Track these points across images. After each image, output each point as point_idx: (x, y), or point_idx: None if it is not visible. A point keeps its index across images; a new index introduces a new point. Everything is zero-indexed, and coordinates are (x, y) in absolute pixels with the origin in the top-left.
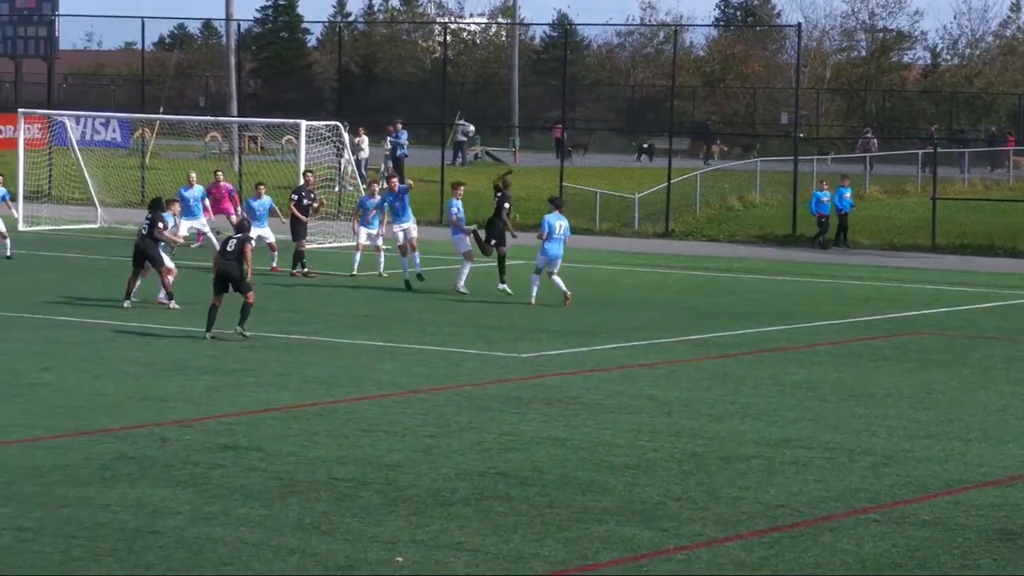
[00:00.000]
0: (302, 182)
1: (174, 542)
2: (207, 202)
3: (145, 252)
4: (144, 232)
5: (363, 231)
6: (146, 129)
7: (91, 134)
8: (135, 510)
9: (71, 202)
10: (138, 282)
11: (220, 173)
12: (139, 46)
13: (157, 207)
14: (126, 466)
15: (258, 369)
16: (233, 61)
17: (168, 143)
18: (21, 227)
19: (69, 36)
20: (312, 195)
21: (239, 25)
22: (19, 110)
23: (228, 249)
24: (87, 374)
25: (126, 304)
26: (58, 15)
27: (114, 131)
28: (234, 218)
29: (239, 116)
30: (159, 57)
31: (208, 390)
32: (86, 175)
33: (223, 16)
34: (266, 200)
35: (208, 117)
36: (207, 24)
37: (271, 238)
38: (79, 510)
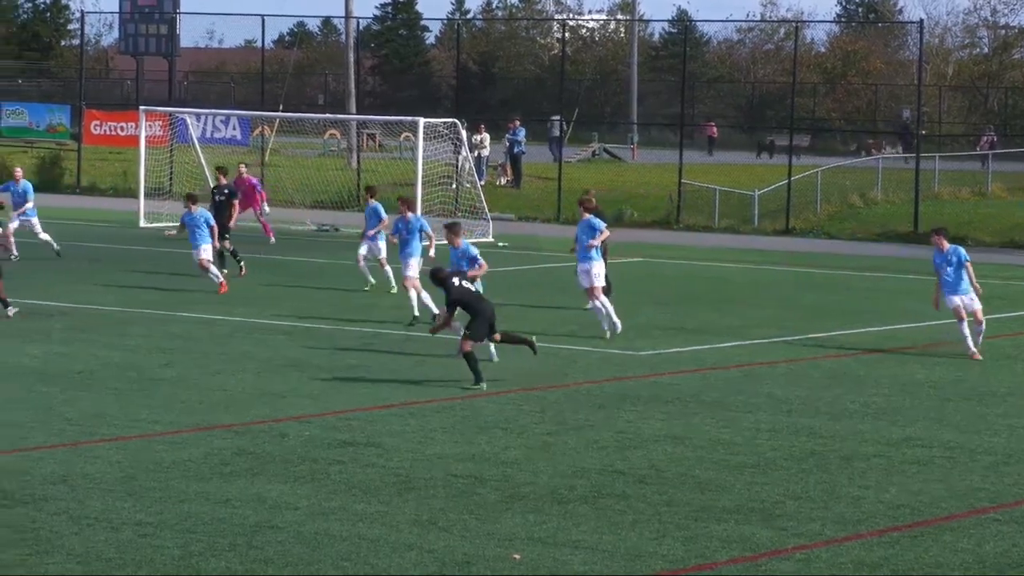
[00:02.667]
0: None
1: (292, 537)
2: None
3: None
4: None
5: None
6: (266, 126)
7: (211, 131)
8: (254, 505)
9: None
10: None
11: (244, 167)
12: (259, 44)
13: None
14: (245, 461)
15: (375, 366)
16: (352, 59)
17: (287, 140)
18: (142, 224)
19: (190, 34)
20: (225, 191)
21: (358, 23)
22: (140, 107)
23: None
24: (206, 370)
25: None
26: (179, 13)
27: (234, 128)
28: (262, 216)
29: (357, 113)
30: (279, 55)
31: (326, 386)
32: (206, 172)
33: (343, 14)
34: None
35: (327, 115)
36: (326, 22)
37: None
38: (198, 505)
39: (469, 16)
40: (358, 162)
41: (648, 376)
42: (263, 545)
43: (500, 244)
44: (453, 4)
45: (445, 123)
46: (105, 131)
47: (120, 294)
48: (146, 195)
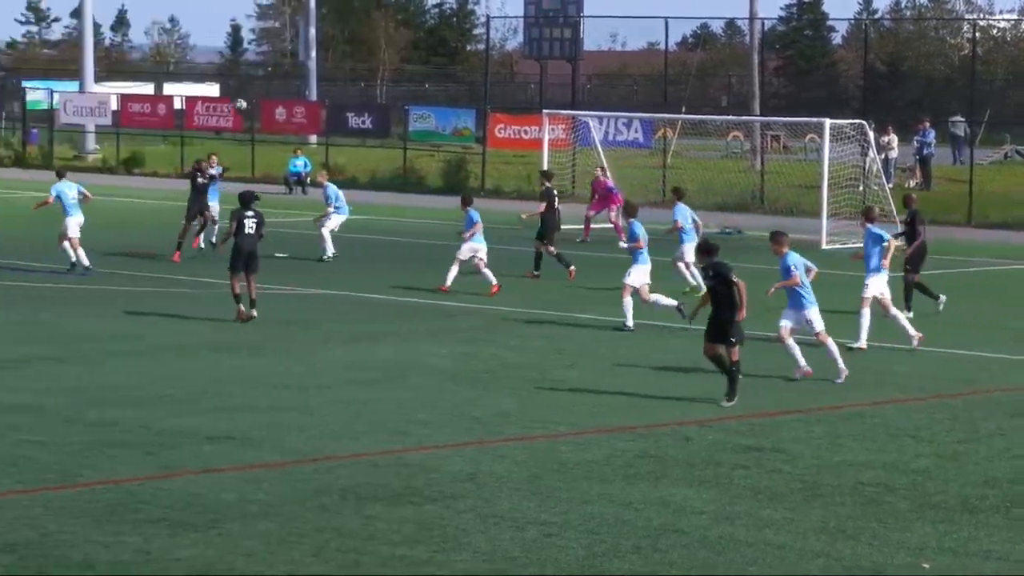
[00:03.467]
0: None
1: (697, 541)
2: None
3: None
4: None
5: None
6: (668, 128)
7: (613, 134)
8: (658, 508)
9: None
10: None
11: (600, 170)
12: (662, 46)
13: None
14: (648, 464)
15: (779, 369)
16: (756, 60)
17: (690, 143)
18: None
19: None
20: (202, 174)
21: (763, 24)
22: (543, 111)
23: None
24: (607, 372)
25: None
26: (583, 16)
27: (636, 131)
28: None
29: (761, 115)
30: (681, 57)
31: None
32: (608, 175)
33: (747, 15)
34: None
35: (730, 116)
36: (730, 23)
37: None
38: (602, 506)
39: (877, 16)
40: (762, 164)
41: None
42: (667, 548)
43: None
44: (860, 4)
45: (852, 124)
46: (509, 134)
47: (523, 295)
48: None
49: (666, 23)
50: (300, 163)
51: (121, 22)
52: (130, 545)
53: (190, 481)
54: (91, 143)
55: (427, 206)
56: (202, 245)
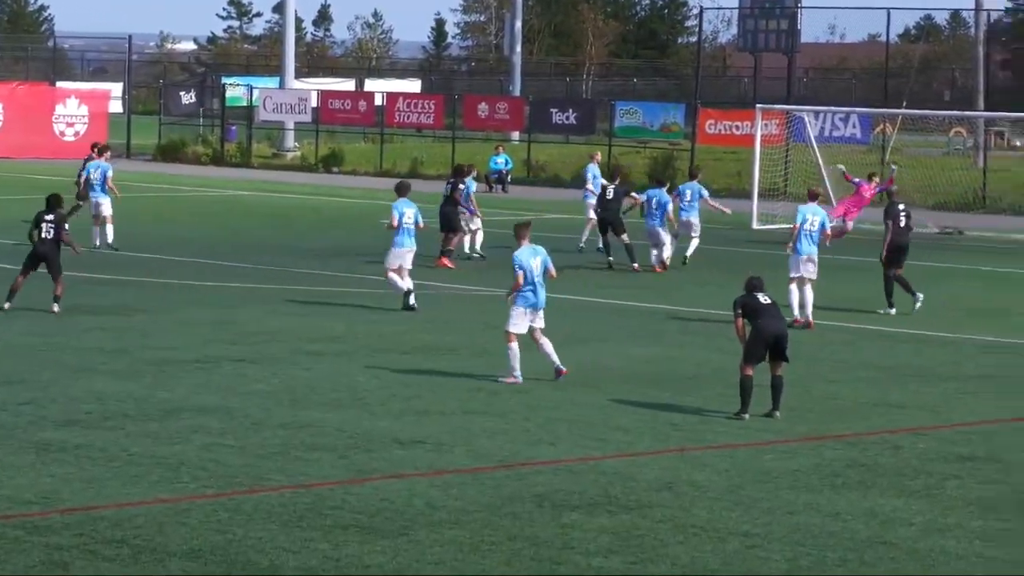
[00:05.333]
0: None
1: (905, 554)
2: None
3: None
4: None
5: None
6: (887, 124)
7: (830, 129)
8: (865, 519)
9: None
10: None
11: (875, 178)
12: (883, 38)
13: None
14: (857, 473)
15: (1007, 376)
16: (981, 53)
17: (910, 139)
18: (754, 225)
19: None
20: None
21: (988, 15)
22: (757, 105)
23: None
24: (820, 377)
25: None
26: (801, 7)
27: (854, 126)
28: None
29: (986, 110)
30: (903, 49)
31: (946, 396)
32: (823, 172)
33: (972, 6)
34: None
35: (953, 112)
36: (955, 15)
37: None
38: (807, 517)
39: None
40: (984, 161)
41: None
42: (874, 561)
43: None
44: None
45: None
46: (720, 130)
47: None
48: (760, 196)
49: (888, 14)
50: (501, 160)
51: (324, 17)
52: (319, 552)
53: (380, 486)
54: (290, 140)
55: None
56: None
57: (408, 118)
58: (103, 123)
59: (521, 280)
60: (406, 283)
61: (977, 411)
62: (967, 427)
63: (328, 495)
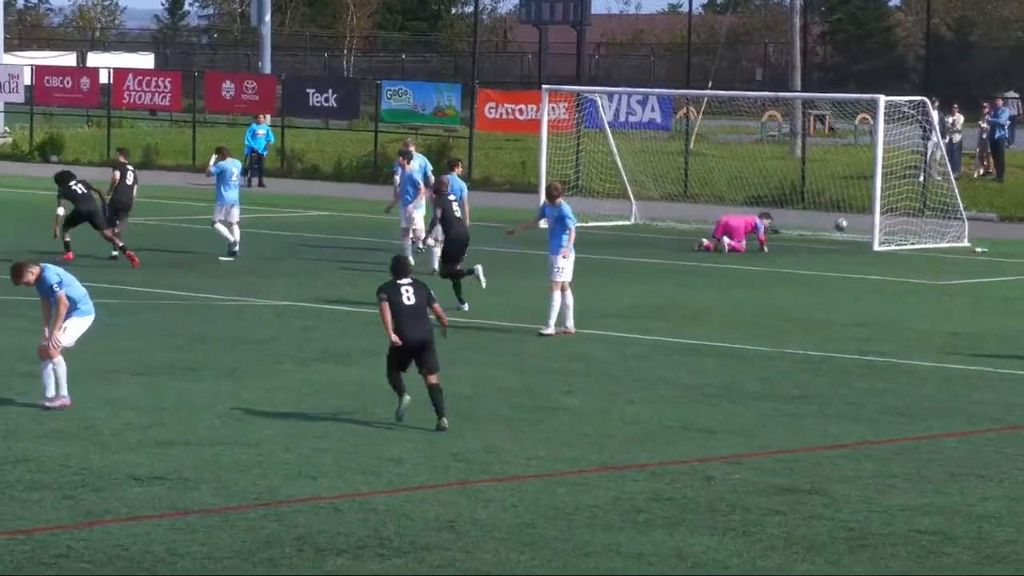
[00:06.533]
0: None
1: None
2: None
3: None
4: None
5: None
6: (691, 108)
7: (625, 114)
8: (673, 562)
9: (600, 195)
10: None
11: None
12: (684, 8)
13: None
14: (663, 508)
15: (822, 396)
16: (798, 24)
17: (717, 124)
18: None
19: None
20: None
21: None
22: (543, 86)
23: None
24: (617, 397)
25: None
26: None
27: (653, 110)
28: None
29: (803, 91)
30: (708, 21)
31: (763, 419)
32: (618, 163)
33: None
34: None
35: (765, 92)
36: None
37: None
38: (607, 560)
39: None
40: (803, 150)
41: None
42: None
43: (978, 249)
44: None
45: (911, 102)
46: (501, 114)
47: (512, 306)
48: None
49: None
50: (262, 132)
51: None
52: None
53: (114, 531)
54: (0, 124)
55: None
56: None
57: (140, 99)
58: None
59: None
60: None
61: (798, 436)
62: (787, 454)
63: (51, 541)
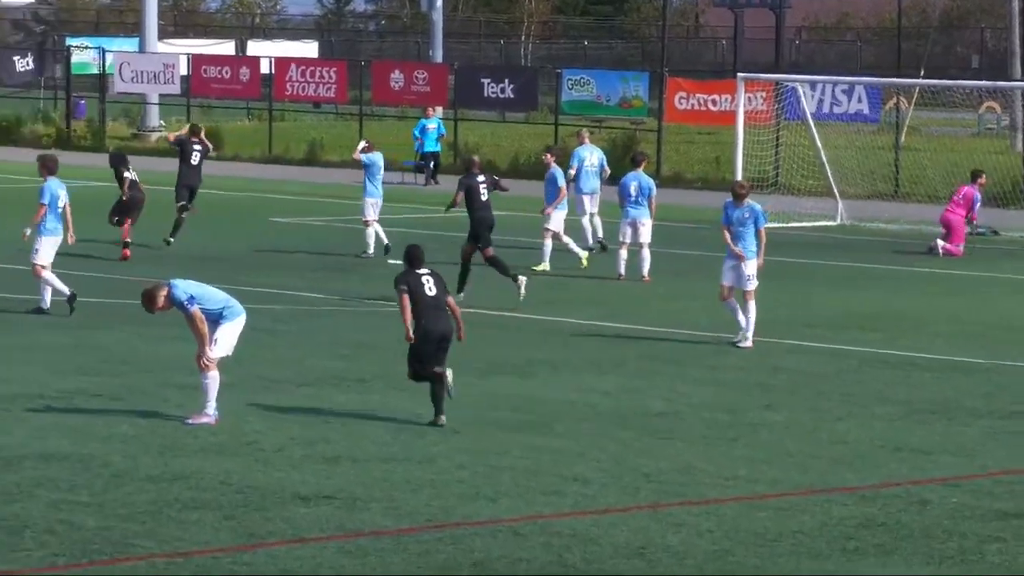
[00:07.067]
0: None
1: None
2: None
3: None
4: None
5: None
6: (901, 98)
7: (829, 104)
8: None
9: (802, 193)
10: None
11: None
12: None
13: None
14: (874, 535)
15: None
16: (1016, 7)
17: (930, 116)
18: None
19: None
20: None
21: None
22: (739, 74)
23: None
24: (826, 414)
25: None
26: None
27: (859, 100)
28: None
29: (1023, 79)
30: (919, 3)
31: (982, 438)
32: (823, 158)
33: None
34: None
35: (983, 81)
36: None
37: None
38: None
39: None
40: None
41: None
42: None
43: None
44: None
45: None
46: (692, 105)
47: (707, 313)
48: None
49: None
50: (433, 126)
51: None
52: None
53: (278, 554)
54: (154, 118)
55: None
56: None
57: (303, 90)
58: None
59: None
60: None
61: (1021, 456)
62: (1009, 476)
63: (211, 564)
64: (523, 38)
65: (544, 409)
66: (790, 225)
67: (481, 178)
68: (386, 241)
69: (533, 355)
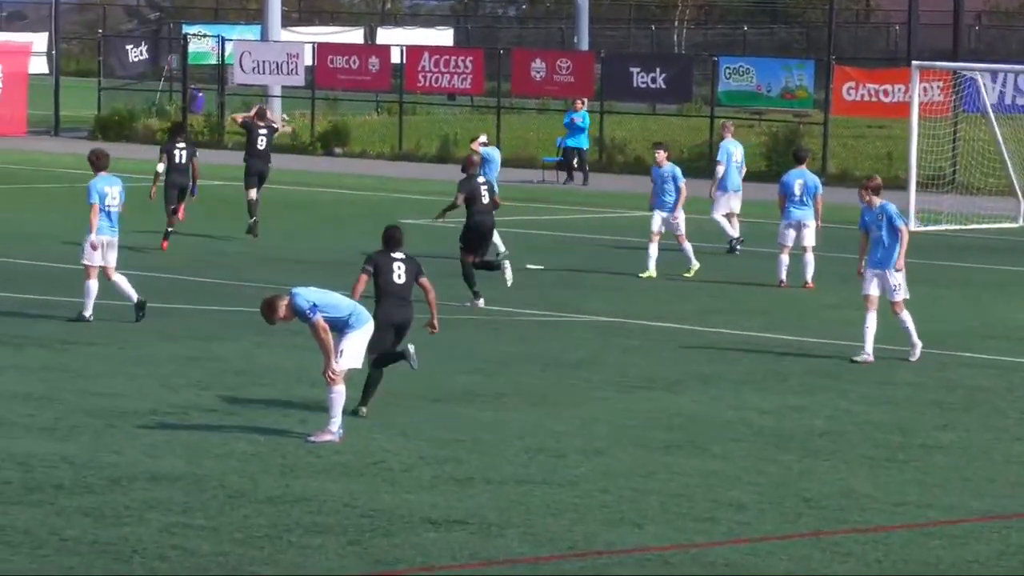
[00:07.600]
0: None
1: None
2: None
3: None
4: None
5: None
6: None
7: (1012, 95)
8: None
9: (982, 192)
10: None
11: None
12: None
13: None
14: None
15: None
16: None
17: None
18: (913, 225)
19: None
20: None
21: None
22: (913, 63)
23: None
24: (1003, 434)
25: None
26: None
27: None
28: None
29: None
30: None
31: None
32: (1004, 154)
33: None
34: None
35: None
36: None
37: None
38: None
39: None
40: None
41: None
42: None
43: None
44: None
45: None
46: (862, 96)
47: (885, 325)
48: (919, 186)
49: None
50: (579, 119)
51: None
52: None
53: None
54: (276, 112)
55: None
56: None
57: (436, 81)
58: (21, 88)
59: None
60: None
61: None
62: None
63: None
64: (676, 23)
65: (696, 428)
66: (968, 227)
67: (482, 179)
68: (502, 248)
69: (685, 368)
